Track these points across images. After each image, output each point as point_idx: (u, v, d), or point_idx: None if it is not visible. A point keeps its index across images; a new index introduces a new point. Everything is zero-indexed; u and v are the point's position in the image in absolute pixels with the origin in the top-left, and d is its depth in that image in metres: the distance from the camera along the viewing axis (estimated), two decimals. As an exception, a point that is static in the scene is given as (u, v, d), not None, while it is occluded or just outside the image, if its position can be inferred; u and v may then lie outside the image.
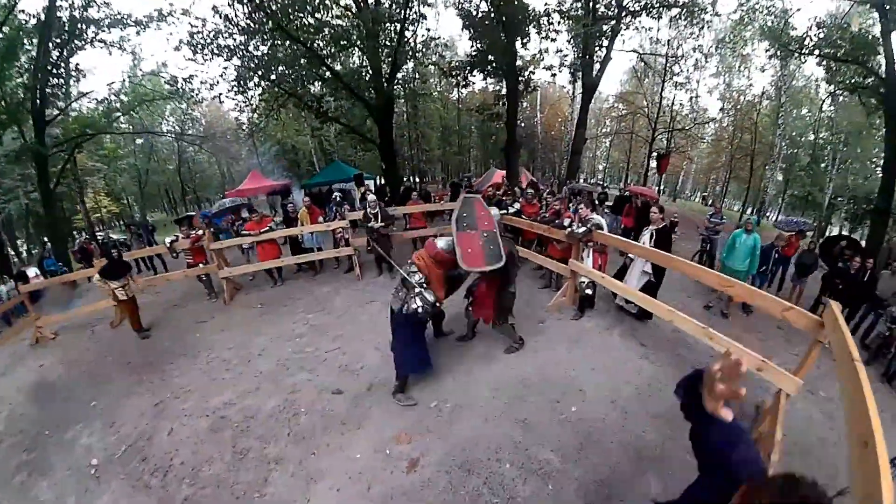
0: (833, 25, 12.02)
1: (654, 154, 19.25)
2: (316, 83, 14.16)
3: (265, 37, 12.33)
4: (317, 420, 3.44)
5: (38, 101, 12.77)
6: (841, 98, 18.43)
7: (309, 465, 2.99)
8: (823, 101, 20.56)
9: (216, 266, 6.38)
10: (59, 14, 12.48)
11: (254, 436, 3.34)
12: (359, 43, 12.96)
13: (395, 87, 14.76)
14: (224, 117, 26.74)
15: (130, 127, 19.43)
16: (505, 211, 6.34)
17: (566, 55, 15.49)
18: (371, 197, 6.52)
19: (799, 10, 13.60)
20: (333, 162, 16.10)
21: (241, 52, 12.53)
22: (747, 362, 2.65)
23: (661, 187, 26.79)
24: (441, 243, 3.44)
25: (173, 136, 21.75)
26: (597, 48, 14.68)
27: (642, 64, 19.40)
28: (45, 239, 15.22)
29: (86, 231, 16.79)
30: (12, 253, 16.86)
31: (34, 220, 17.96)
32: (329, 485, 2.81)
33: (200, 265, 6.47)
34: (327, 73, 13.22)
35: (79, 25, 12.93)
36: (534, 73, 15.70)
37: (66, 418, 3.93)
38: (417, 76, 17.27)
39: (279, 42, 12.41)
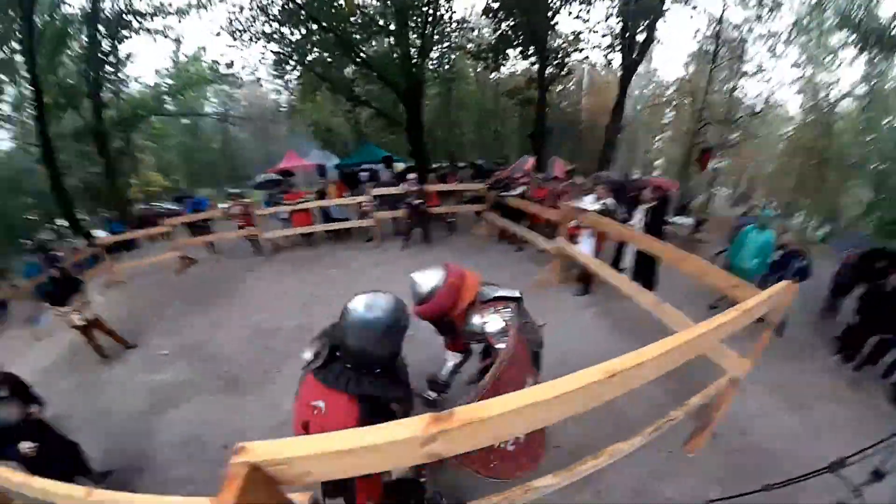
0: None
1: (699, 146, 16.62)
2: (348, 67, 14.64)
3: (299, 23, 12.95)
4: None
5: (94, 86, 14.18)
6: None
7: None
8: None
9: (260, 230, 7.52)
10: (104, 6, 13.59)
11: (278, 339, 4.46)
12: (388, 28, 13.28)
13: (426, 70, 14.87)
14: (263, 99, 27.88)
15: (177, 108, 20.96)
16: (508, 192, 6.70)
17: (605, 35, 14.03)
18: (412, 175, 7.33)
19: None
20: (365, 144, 17.01)
21: (277, 38, 13.26)
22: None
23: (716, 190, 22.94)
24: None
25: (216, 117, 23.30)
26: (641, 27, 13.17)
27: (704, 47, 16.96)
28: (103, 210, 17.63)
29: (142, 201, 18.65)
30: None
31: (90, 194, 20.04)
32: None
33: (249, 228, 7.66)
34: (358, 58, 13.65)
35: (124, 16, 14.08)
36: (569, 54, 14.69)
37: (140, 328, 5.18)
38: (449, 59, 17.28)
39: (312, 29, 13.00)
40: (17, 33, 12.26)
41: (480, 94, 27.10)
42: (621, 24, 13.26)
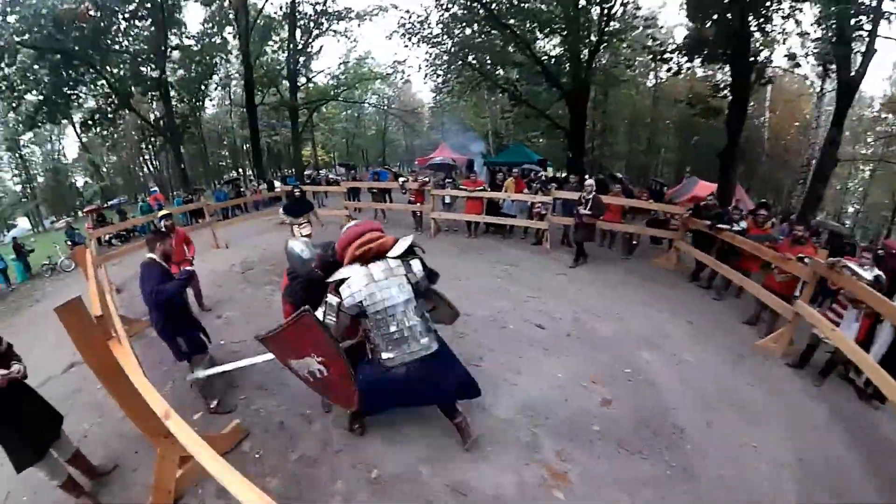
0: None
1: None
2: (508, 68, 14.52)
3: (465, 25, 13.44)
4: (522, 337, 3.93)
5: (291, 71, 17.20)
6: None
7: (512, 363, 3.48)
8: None
9: (430, 207, 7.51)
10: (300, 9, 16.52)
11: (470, 328, 4.01)
12: (560, 28, 12.84)
13: (595, 72, 14.20)
14: (412, 97, 31.09)
15: (348, 98, 24.03)
16: (729, 227, 5.38)
17: (817, 39, 11.15)
18: (589, 181, 6.28)
19: None
20: (516, 145, 17.14)
21: (442, 40, 14.06)
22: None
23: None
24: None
25: (381, 108, 27.13)
26: (856, 33, 10.21)
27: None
28: (280, 167, 22.90)
29: (312, 167, 22.95)
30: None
31: (273, 154, 26.00)
32: (528, 381, 3.24)
33: (418, 204, 7.78)
34: (523, 58, 13.35)
35: (316, 18, 16.82)
36: (770, 60, 11.85)
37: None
38: (617, 60, 15.55)
39: (477, 30, 13.52)
40: (231, 24, 15.49)
41: (637, 97, 24.03)
42: (837, 27, 10.30)
